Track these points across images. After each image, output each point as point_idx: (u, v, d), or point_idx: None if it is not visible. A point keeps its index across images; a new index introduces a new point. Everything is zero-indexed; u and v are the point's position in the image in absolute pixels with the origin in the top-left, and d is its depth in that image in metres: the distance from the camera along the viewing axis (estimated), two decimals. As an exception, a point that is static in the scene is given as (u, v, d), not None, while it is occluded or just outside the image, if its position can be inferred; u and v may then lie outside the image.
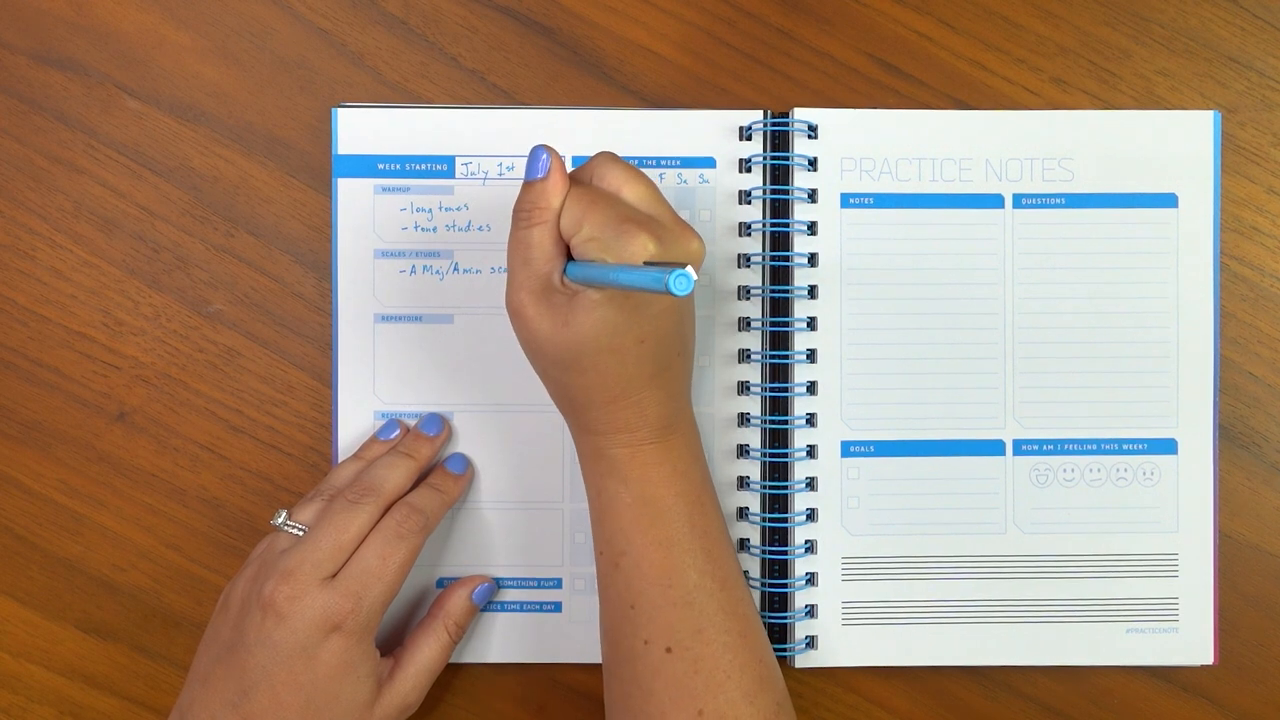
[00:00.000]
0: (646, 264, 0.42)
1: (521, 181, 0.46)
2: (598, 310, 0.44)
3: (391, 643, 0.51)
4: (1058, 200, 0.54)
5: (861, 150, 0.54)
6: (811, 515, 0.54)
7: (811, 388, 0.54)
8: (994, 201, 0.54)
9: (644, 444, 0.47)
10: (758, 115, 0.54)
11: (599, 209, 0.44)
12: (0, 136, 0.54)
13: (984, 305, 0.54)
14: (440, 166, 0.54)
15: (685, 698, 0.46)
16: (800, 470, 0.54)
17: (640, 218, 0.44)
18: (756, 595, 0.54)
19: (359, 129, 0.54)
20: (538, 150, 0.45)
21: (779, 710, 0.48)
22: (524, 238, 0.45)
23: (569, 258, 0.46)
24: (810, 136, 0.54)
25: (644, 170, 0.47)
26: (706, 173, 0.54)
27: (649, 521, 0.47)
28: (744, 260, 0.54)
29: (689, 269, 0.36)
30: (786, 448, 0.54)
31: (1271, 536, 0.55)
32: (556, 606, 0.54)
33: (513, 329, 0.47)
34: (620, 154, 0.53)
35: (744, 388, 0.54)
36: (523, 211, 0.45)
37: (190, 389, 0.54)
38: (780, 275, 0.54)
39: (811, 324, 0.54)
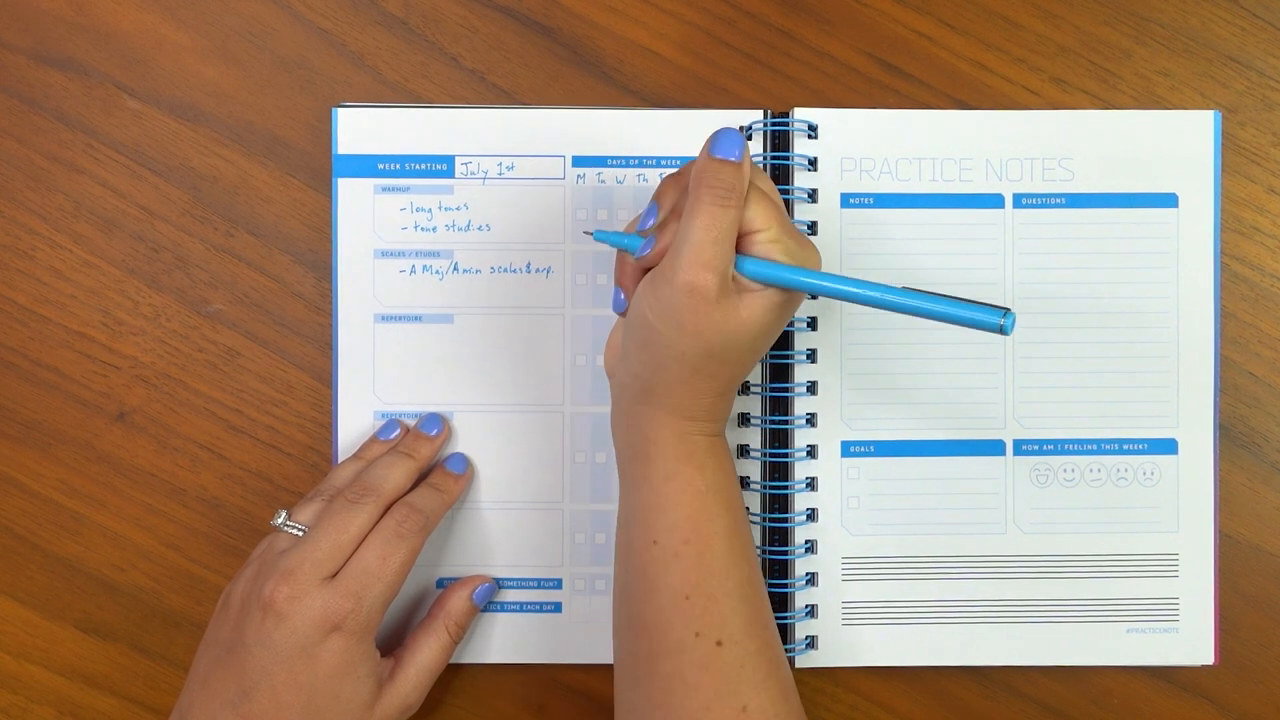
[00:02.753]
0: (953, 297, 0.44)
1: (705, 156, 0.45)
2: (773, 310, 0.45)
3: (392, 643, 0.51)
4: (1058, 200, 0.54)
5: (861, 150, 0.54)
6: (812, 515, 0.54)
7: (811, 388, 0.54)
8: (994, 201, 0.54)
9: (717, 435, 0.48)
10: (758, 115, 0.54)
11: (781, 213, 0.46)
12: (0, 136, 0.54)
13: (984, 305, 0.54)
14: (440, 166, 0.54)
15: (731, 693, 0.45)
16: (800, 470, 0.54)
17: (801, 233, 0.47)
18: (757, 595, 0.54)
19: (359, 129, 0.54)
20: (731, 133, 0.45)
21: (802, 712, 0.48)
22: (725, 217, 0.44)
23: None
24: (810, 136, 0.54)
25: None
26: (706, 173, 0.54)
27: (718, 510, 0.47)
28: (744, 260, 0.54)
29: (1012, 314, 0.42)
30: (787, 448, 0.54)
31: (1271, 536, 0.55)
32: (556, 607, 0.54)
33: (662, 305, 0.44)
34: (620, 154, 0.54)
35: (744, 388, 0.54)
36: (720, 190, 0.44)
37: (190, 389, 0.54)
38: (780, 275, 0.54)
39: (811, 324, 0.54)
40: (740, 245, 0.45)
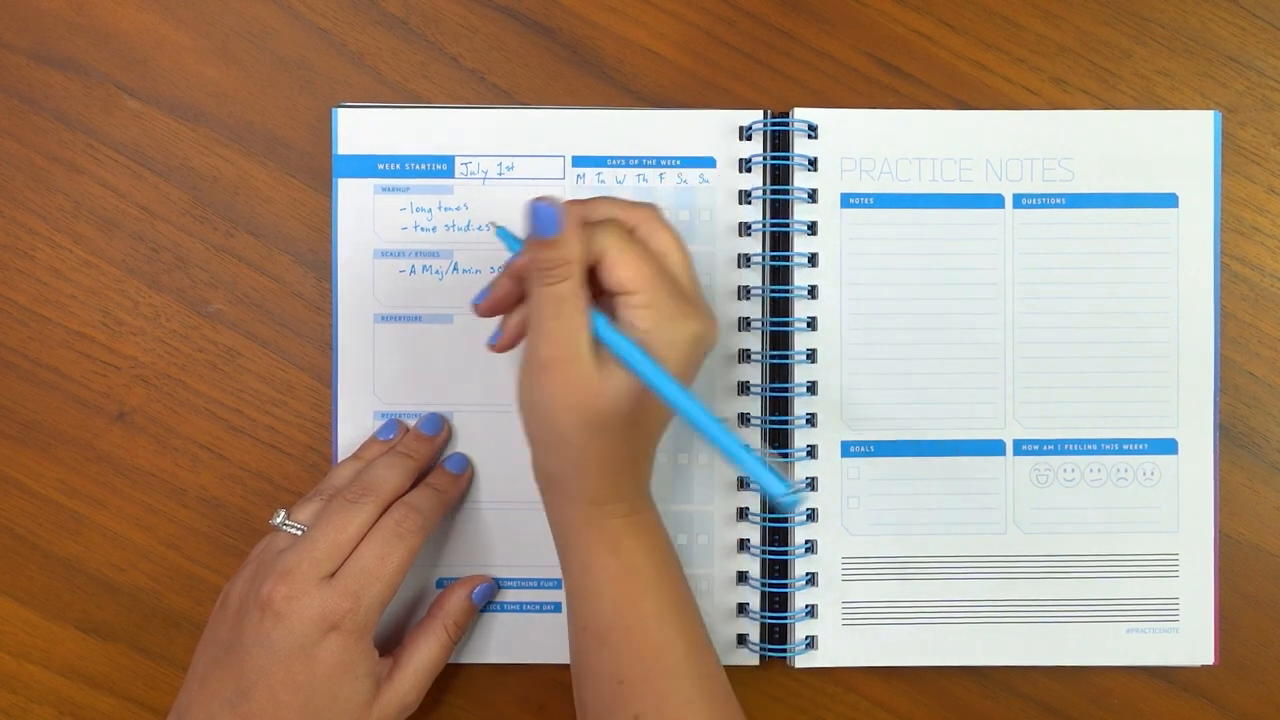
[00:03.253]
0: (757, 454, 0.43)
1: (527, 238, 0.43)
2: (632, 382, 0.43)
3: (391, 643, 0.51)
4: (1058, 200, 0.54)
5: (861, 150, 0.54)
6: (811, 515, 0.54)
7: (811, 388, 0.54)
8: (994, 201, 0.54)
9: (633, 513, 0.47)
10: (758, 115, 0.54)
11: (662, 279, 0.44)
12: (0, 136, 0.54)
13: (984, 305, 0.54)
14: (440, 166, 0.54)
15: None
16: (800, 470, 0.54)
17: (692, 299, 0.44)
18: (756, 595, 0.54)
19: (359, 129, 0.54)
20: (543, 208, 0.43)
21: None
22: (554, 294, 0.43)
23: (596, 311, 0.44)
24: (810, 136, 0.54)
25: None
26: (706, 173, 0.54)
27: (639, 593, 0.46)
28: (744, 260, 0.54)
29: (802, 491, 0.43)
30: (787, 448, 0.54)
31: (1271, 536, 0.55)
32: (556, 607, 0.54)
33: (526, 391, 0.45)
34: (620, 154, 0.54)
35: (744, 388, 0.54)
36: (544, 270, 0.43)
37: (190, 389, 0.54)
38: (780, 275, 0.54)
39: (811, 324, 0.54)
40: (611, 305, 0.44)
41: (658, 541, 0.48)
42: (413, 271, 0.54)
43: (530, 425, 0.46)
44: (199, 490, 0.54)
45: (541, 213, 0.43)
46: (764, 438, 0.54)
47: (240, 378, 0.54)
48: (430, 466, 0.53)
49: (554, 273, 0.43)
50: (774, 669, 0.55)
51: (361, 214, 0.54)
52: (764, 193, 0.54)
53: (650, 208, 0.46)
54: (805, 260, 0.54)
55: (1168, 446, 0.54)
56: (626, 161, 0.54)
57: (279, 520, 0.49)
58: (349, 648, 0.46)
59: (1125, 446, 0.54)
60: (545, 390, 0.44)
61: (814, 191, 0.54)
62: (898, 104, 0.55)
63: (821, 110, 0.54)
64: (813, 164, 0.54)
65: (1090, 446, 0.54)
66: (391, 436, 0.53)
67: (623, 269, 0.43)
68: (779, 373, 0.54)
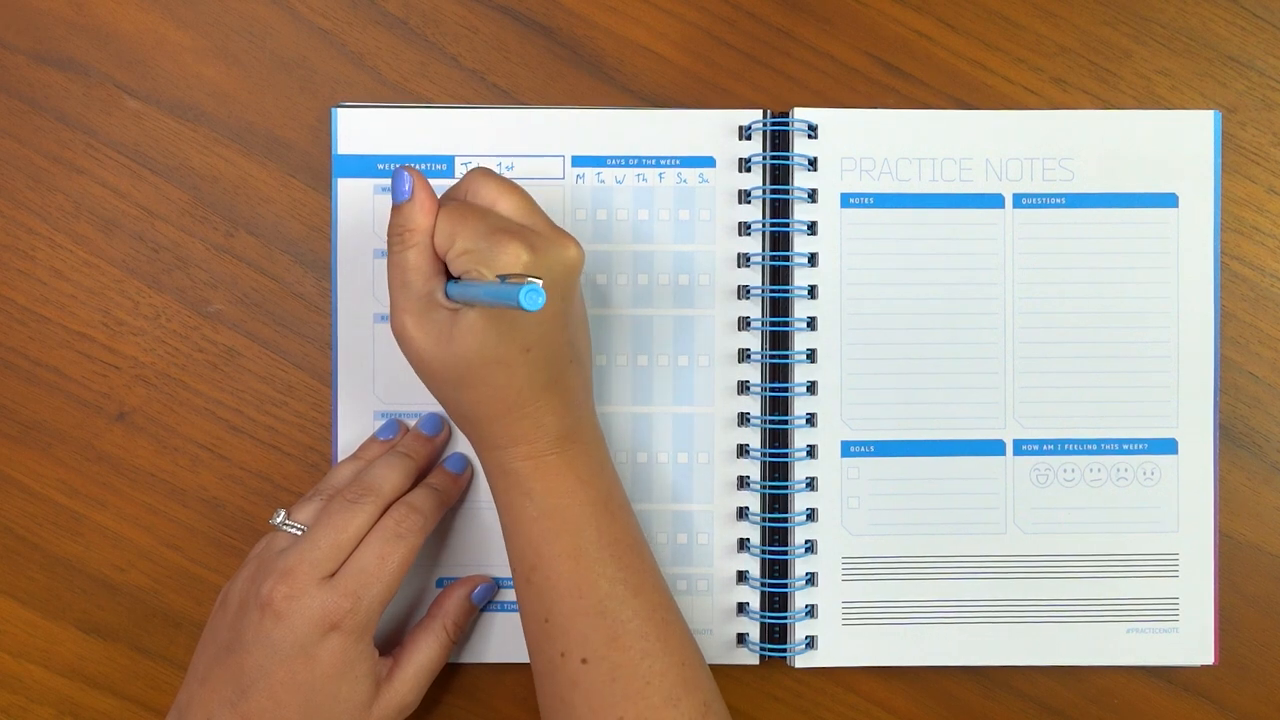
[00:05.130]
0: (502, 278, 0.42)
1: (390, 206, 0.46)
2: (479, 323, 0.45)
3: (391, 642, 0.51)
4: (1058, 200, 0.54)
5: (861, 150, 0.54)
6: (811, 515, 0.54)
7: (811, 388, 0.54)
8: (994, 201, 0.54)
9: (545, 454, 0.47)
10: (758, 115, 0.54)
11: (470, 222, 0.45)
12: (0, 136, 0.54)
13: (984, 305, 0.54)
14: (440, 166, 0.54)
15: (604, 707, 0.46)
16: (800, 470, 0.54)
17: (513, 227, 0.45)
18: (756, 595, 0.54)
19: (359, 129, 0.54)
20: (400, 173, 0.46)
21: (706, 711, 0.47)
22: (399, 260, 0.46)
23: (449, 276, 0.46)
24: (810, 136, 0.54)
25: (517, 182, 0.47)
26: (706, 172, 0.54)
27: (555, 534, 0.47)
28: (744, 260, 0.54)
29: (538, 283, 0.38)
30: (786, 448, 0.54)
31: (1271, 536, 0.55)
32: (556, 606, 0.54)
33: (402, 353, 0.47)
34: (620, 154, 0.54)
35: (744, 388, 0.54)
36: (394, 235, 0.46)
37: (190, 389, 0.54)
38: (780, 275, 0.54)
39: (811, 324, 0.54)
40: (448, 266, 0.46)
41: (579, 481, 0.48)
42: (413, 271, 0.54)
43: (427, 387, 0.48)
44: (199, 490, 0.54)
45: (396, 178, 0.46)
46: (763, 438, 0.54)
47: (240, 378, 0.54)
48: (430, 466, 0.53)
49: (401, 239, 0.46)
50: (774, 669, 0.55)
51: (361, 214, 0.54)
52: (764, 192, 0.54)
53: (475, 169, 0.48)
54: (805, 260, 0.54)
55: (1168, 446, 0.54)
56: (626, 161, 0.54)
57: (279, 520, 0.49)
58: (349, 647, 0.46)
59: (1125, 446, 0.54)
60: (409, 354, 0.47)
61: (814, 191, 0.54)
62: (898, 104, 0.55)
63: (821, 110, 0.54)
64: (813, 164, 0.54)
65: (1090, 446, 0.54)
66: (391, 436, 0.53)
67: (436, 235, 0.46)
68: (779, 373, 0.54)
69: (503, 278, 0.42)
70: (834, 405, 0.54)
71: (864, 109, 0.54)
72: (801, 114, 0.54)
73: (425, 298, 0.46)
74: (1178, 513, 0.54)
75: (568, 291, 0.47)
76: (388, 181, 0.54)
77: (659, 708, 0.46)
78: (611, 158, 0.54)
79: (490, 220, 0.45)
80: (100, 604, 0.54)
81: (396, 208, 0.46)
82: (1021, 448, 0.54)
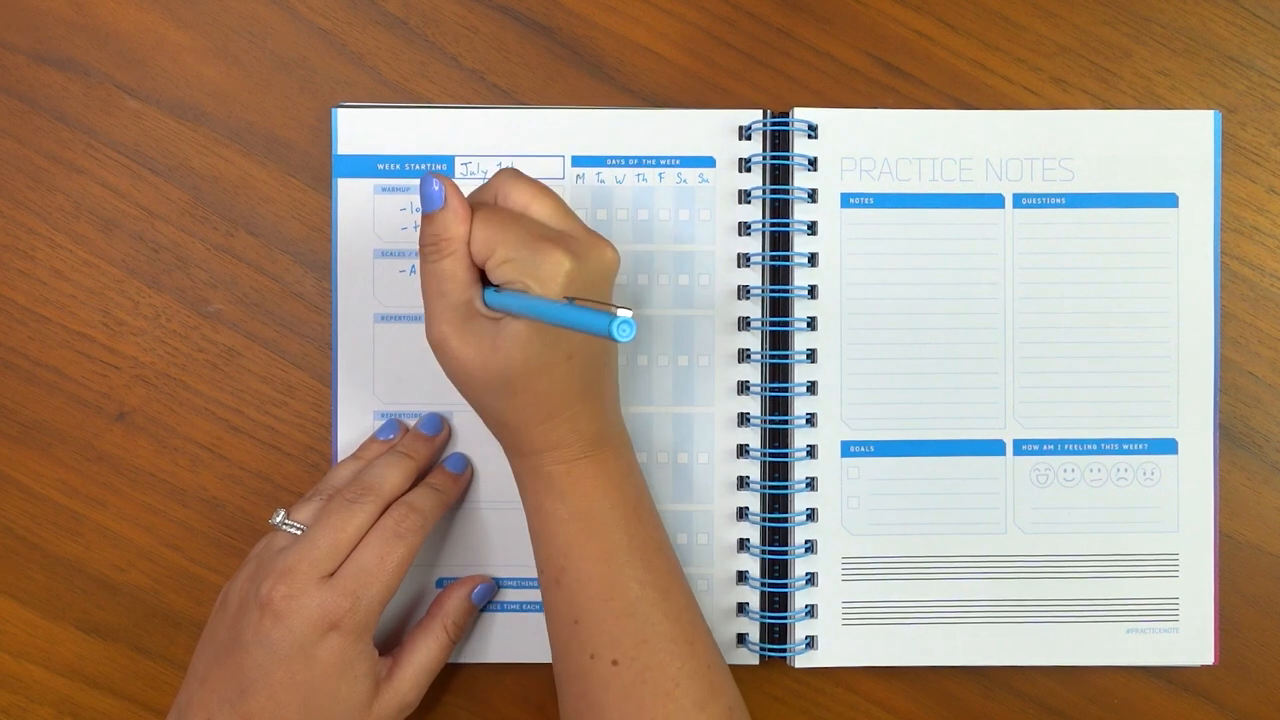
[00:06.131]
0: (574, 300, 0.41)
1: (419, 214, 0.45)
2: (525, 333, 0.44)
3: (390, 642, 0.51)
4: (1058, 200, 0.54)
5: (861, 150, 0.54)
6: (811, 515, 0.54)
7: (811, 388, 0.54)
8: (994, 201, 0.54)
9: (578, 459, 0.47)
10: (758, 115, 0.54)
11: (510, 230, 0.44)
12: (0, 136, 0.54)
13: (984, 305, 0.54)
14: (440, 166, 0.54)
15: (635, 709, 0.46)
16: (800, 470, 0.54)
17: (552, 234, 0.45)
18: (756, 595, 0.54)
19: (359, 129, 0.54)
20: (429, 179, 0.45)
21: (730, 714, 0.48)
22: (435, 270, 0.45)
23: (484, 283, 0.46)
24: (810, 136, 0.54)
25: (549, 185, 0.47)
26: (706, 172, 0.54)
27: (586, 536, 0.47)
28: (744, 260, 0.54)
29: (630, 314, 0.37)
30: (786, 448, 0.54)
31: (1271, 536, 0.55)
32: (556, 606, 0.54)
33: (438, 362, 0.46)
34: (620, 154, 0.54)
35: (744, 388, 0.54)
36: (429, 244, 0.45)
37: (190, 389, 0.54)
38: (780, 275, 0.54)
39: (811, 324, 0.54)
40: (487, 274, 0.45)
41: (610, 484, 0.48)
42: (413, 271, 0.54)
43: (462, 394, 0.48)
44: (199, 490, 0.54)
45: (425, 186, 0.45)
46: (763, 438, 0.54)
47: (240, 378, 0.54)
48: (430, 466, 0.53)
49: (437, 248, 0.45)
50: (774, 669, 0.55)
51: (361, 214, 0.54)
52: (764, 192, 0.54)
53: (504, 171, 0.47)
54: (805, 260, 0.54)
55: (1168, 446, 0.54)
56: (626, 161, 0.54)
57: (279, 520, 0.49)
58: (348, 647, 0.46)
59: (1125, 446, 0.54)
60: (448, 364, 0.46)
61: (814, 191, 0.54)
62: (898, 104, 0.55)
63: (821, 110, 0.54)
64: (812, 164, 0.54)
65: (1090, 446, 0.54)
66: (391, 436, 0.53)
67: (473, 244, 0.45)
68: (779, 373, 0.54)
69: (570, 300, 0.41)
70: (834, 405, 0.54)
71: (864, 109, 0.54)
72: (801, 114, 0.54)
73: (464, 306, 0.45)
74: (1178, 513, 0.54)
75: (605, 294, 0.47)
76: (388, 181, 0.54)
77: (688, 710, 0.46)
78: (611, 158, 0.54)
79: (528, 227, 0.45)
80: (100, 604, 0.54)
81: (429, 216, 0.45)
82: (1021, 448, 0.54)
